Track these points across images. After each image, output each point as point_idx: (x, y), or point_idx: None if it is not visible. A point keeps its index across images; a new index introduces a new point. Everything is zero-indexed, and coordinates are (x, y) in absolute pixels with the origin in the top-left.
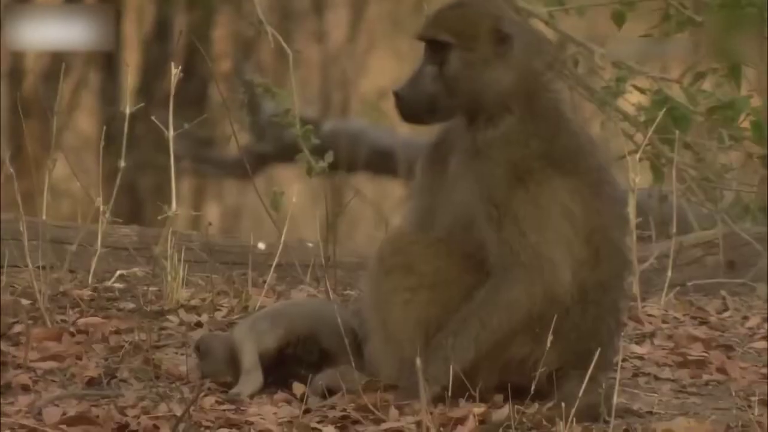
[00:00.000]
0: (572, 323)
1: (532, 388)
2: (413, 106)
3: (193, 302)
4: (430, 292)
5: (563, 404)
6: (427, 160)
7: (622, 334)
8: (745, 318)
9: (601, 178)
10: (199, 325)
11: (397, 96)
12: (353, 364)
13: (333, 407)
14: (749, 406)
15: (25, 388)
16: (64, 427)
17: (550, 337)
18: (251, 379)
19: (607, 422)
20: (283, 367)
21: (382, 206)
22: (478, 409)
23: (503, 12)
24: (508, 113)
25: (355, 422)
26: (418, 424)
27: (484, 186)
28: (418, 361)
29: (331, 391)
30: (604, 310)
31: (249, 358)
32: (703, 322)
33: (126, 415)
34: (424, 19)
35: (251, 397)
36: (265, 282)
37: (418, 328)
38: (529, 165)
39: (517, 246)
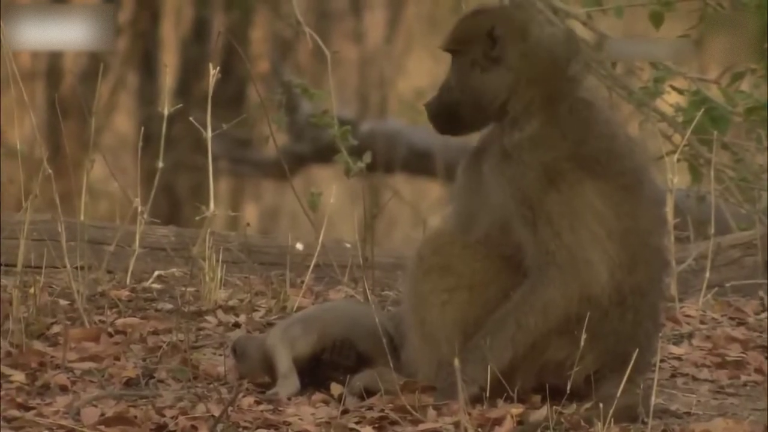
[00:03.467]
0: (610, 326)
1: (568, 388)
2: (438, 118)
3: (230, 303)
4: (468, 293)
5: (601, 405)
6: (466, 165)
7: (660, 335)
8: None
9: (639, 180)
10: (236, 325)
11: (425, 107)
12: (391, 366)
13: (371, 408)
14: None
15: (63, 389)
16: (102, 427)
17: (584, 336)
18: (288, 383)
19: (645, 423)
20: (320, 371)
21: (419, 206)
22: (516, 409)
23: (508, 14)
24: (531, 116)
25: (393, 423)
26: (456, 424)
27: (516, 188)
28: (456, 362)
29: (369, 392)
30: (642, 313)
31: (284, 362)
32: (741, 323)
33: (164, 416)
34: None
35: (288, 399)
36: (303, 282)
37: (456, 328)
38: (560, 166)
39: (552, 247)
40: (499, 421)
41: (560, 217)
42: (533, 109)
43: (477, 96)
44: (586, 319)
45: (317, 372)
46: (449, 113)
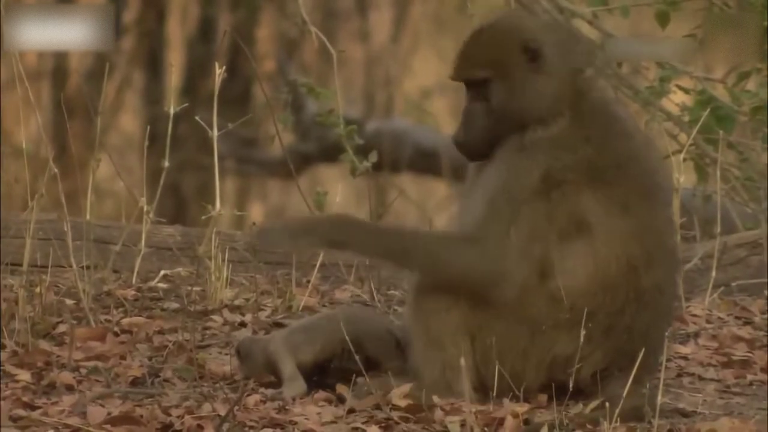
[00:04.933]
0: (625, 323)
1: (570, 385)
2: (473, 148)
3: (237, 302)
4: (472, 297)
5: (607, 404)
6: (474, 167)
7: (667, 334)
8: None
9: (653, 182)
10: (242, 324)
11: (457, 144)
12: (399, 368)
13: (378, 407)
14: None
15: (69, 388)
16: (108, 426)
17: (583, 332)
18: (294, 384)
19: (651, 422)
20: (327, 376)
21: (425, 206)
22: (522, 408)
23: (526, 24)
24: (559, 116)
25: (399, 423)
26: (462, 423)
27: (510, 179)
28: (462, 361)
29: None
30: (657, 312)
31: (287, 367)
32: (748, 322)
33: (170, 415)
34: (456, 60)
35: (294, 399)
36: (309, 282)
37: (461, 331)
38: (564, 176)
39: (494, 239)
40: (504, 421)
41: (528, 224)
42: (562, 109)
43: (523, 111)
44: (602, 316)
45: (324, 376)
46: (483, 139)
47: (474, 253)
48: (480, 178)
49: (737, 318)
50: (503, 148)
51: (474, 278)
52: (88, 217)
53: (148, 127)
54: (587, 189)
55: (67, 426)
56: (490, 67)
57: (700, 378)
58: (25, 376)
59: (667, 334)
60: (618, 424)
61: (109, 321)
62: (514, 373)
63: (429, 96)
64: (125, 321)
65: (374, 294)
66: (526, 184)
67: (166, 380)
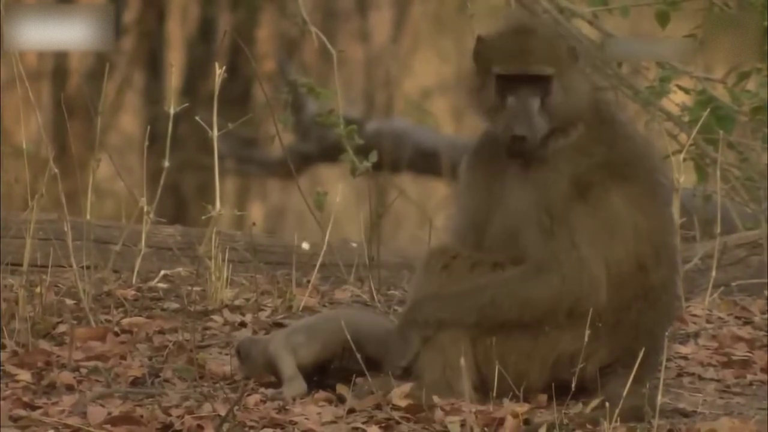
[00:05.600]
0: (631, 321)
1: (574, 382)
2: (533, 143)
3: (237, 302)
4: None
5: (607, 404)
6: (471, 166)
7: (667, 333)
8: None
9: (657, 181)
10: (243, 324)
11: (523, 138)
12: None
13: (378, 407)
14: None
15: (70, 388)
16: (108, 426)
17: (586, 331)
18: (294, 385)
19: (651, 422)
20: (328, 376)
21: (425, 206)
22: (522, 408)
23: (555, 31)
24: (581, 122)
25: (400, 422)
26: (462, 423)
27: (543, 195)
28: (462, 361)
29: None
30: (661, 310)
31: (288, 367)
32: (748, 322)
33: (170, 415)
34: (519, 55)
35: (294, 399)
36: (309, 282)
37: (462, 335)
38: (591, 177)
39: (563, 256)
40: (504, 421)
41: (582, 229)
42: (584, 116)
43: (573, 111)
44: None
45: (324, 376)
46: (548, 135)
47: (554, 280)
48: (504, 190)
49: (737, 318)
50: (524, 162)
51: (566, 302)
52: (88, 217)
53: (148, 127)
54: (613, 187)
55: (67, 426)
56: (552, 65)
57: (700, 378)
58: (25, 376)
59: (667, 333)
60: (618, 423)
61: (109, 321)
62: (517, 373)
63: (429, 96)
64: (125, 321)
65: (374, 294)
66: (560, 194)
67: (166, 380)
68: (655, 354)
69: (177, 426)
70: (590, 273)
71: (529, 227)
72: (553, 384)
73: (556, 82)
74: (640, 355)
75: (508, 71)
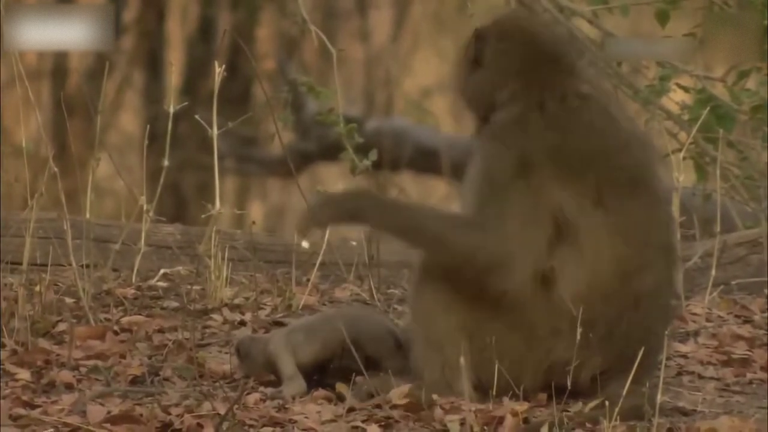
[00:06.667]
0: (622, 330)
1: (568, 385)
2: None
3: (236, 301)
4: (473, 299)
5: (607, 403)
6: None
7: (666, 332)
8: None
9: (641, 176)
10: (242, 323)
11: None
12: (399, 367)
13: (378, 406)
14: None
15: (69, 387)
16: (107, 425)
17: (578, 339)
18: (294, 384)
19: (651, 421)
20: (328, 375)
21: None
22: (521, 407)
23: (503, 23)
24: (515, 102)
25: (399, 421)
26: (462, 422)
27: (487, 165)
28: (462, 360)
29: (373, 396)
30: (654, 316)
31: (287, 366)
32: (747, 321)
33: (169, 414)
34: None
35: (293, 399)
36: (308, 281)
37: (461, 331)
38: (537, 158)
39: (493, 222)
40: (504, 419)
41: (518, 206)
42: (517, 97)
43: (471, 93)
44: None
45: (323, 375)
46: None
47: (477, 236)
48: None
49: (737, 316)
50: (479, 135)
51: (477, 260)
52: (87, 215)
53: (148, 126)
54: (558, 180)
55: (66, 425)
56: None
57: (700, 376)
58: (24, 374)
59: (666, 332)
60: (618, 422)
61: (108, 320)
62: (512, 377)
63: (429, 95)
64: (125, 320)
65: (374, 293)
66: (505, 168)
67: (165, 379)
68: (655, 353)
69: (176, 425)
70: (510, 249)
71: (471, 190)
72: (552, 384)
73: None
74: (639, 354)
75: None
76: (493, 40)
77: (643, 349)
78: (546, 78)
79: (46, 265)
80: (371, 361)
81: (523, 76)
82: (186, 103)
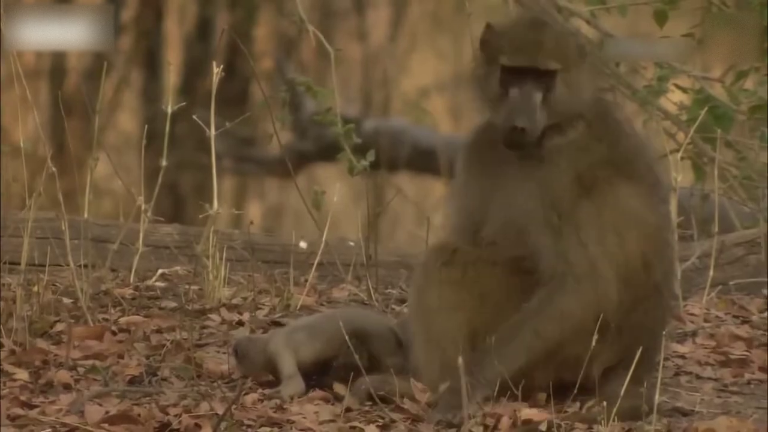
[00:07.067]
0: (635, 320)
1: (578, 382)
2: (533, 135)
3: (234, 301)
4: (474, 300)
5: (605, 404)
6: (468, 161)
7: (664, 332)
8: None
9: (656, 179)
10: (240, 323)
11: (523, 130)
12: (400, 366)
13: (375, 404)
14: None
15: (67, 387)
16: (105, 425)
17: (595, 337)
18: (292, 384)
19: (649, 421)
20: (327, 374)
21: (423, 205)
22: (520, 407)
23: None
24: (582, 120)
25: (396, 421)
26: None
27: (548, 193)
28: (460, 361)
29: (372, 397)
30: (662, 307)
31: (288, 366)
32: (745, 321)
33: (167, 414)
34: (526, 47)
35: (292, 399)
36: (306, 281)
37: (462, 332)
38: (594, 174)
39: (573, 256)
40: (503, 419)
41: (589, 226)
42: (585, 114)
43: (575, 107)
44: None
45: (323, 375)
46: (540, 129)
47: (573, 296)
48: (503, 184)
49: (735, 317)
50: (509, 155)
51: (589, 308)
52: (86, 215)
53: (146, 126)
54: (618, 184)
55: (64, 425)
56: (559, 60)
57: (698, 377)
58: (22, 374)
59: (664, 332)
60: (616, 422)
61: (106, 320)
62: (524, 374)
63: (427, 95)
64: (123, 320)
65: (372, 293)
66: (565, 191)
67: (163, 379)
68: (654, 352)
69: (174, 425)
70: (600, 272)
71: (536, 225)
72: (551, 383)
73: (560, 78)
74: (638, 354)
75: (514, 63)
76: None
77: (649, 344)
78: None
79: (44, 265)
80: (373, 359)
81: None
82: (184, 103)
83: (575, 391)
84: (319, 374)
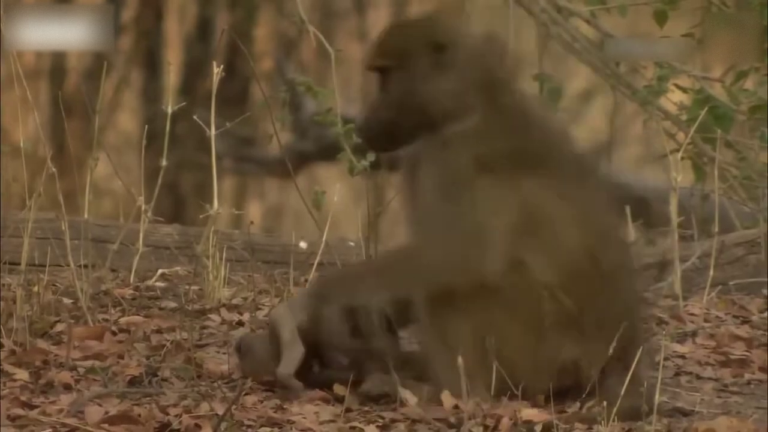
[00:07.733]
0: (604, 305)
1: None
2: (371, 136)
3: (234, 301)
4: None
5: (605, 403)
6: (403, 178)
7: (664, 333)
8: None
9: (581, 169)
10: (240, 324)
11: (361, 131)
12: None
13: (376, 402)
14: None
15: (67, 387)
16: (105, 426)
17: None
18: (293, 353)
19: (649, 422)
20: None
21: None
22: (520, 407)
23: (436, 23)
24: (471, 112)
25: (396, 422)
26: (459, 421)
27: (445, 173)
28: (460, 360)
29: (373, 398)
30: (627, 291)
31: (287, 331)
32: (746, 321)
33: (168, 414)
34: (368, 51)
35: (291, 395)
36: (306, 281)
37: (471, 335)
38: (494, 161)
39: (453, 219)
40: (503, 419)
41: (484, 200)
42: (475, 106)
43: (425, 106)
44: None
45: (322, 375)
46: (382, 130)
47: (439, 252)
48: (414, 181)
49: (735, 317)
50: (424, 147)
51: (460, 264)
52: (86, 216)
53: (146, 126)
54: (521, 177)
55: (64, 425)
56: (391, 58)
57: (698, 377)
58: (23, 375)
59: (664, 332)
60: (615, 423)
61: (106, 320)
62: (525, 381)
63: None
64: (123, 320)
65: None
66: (460, 175)
67: (164, 379)
68: (641, 340)
69: (175, 425)
70: (482, 238)
71: (426, 206)
72: (550, 385)
73: (395, 76)
74: (638, 354)
75: (364, 68)
76: (457, 45)
77: (635, 339)
78: (493, 85)
79: (45, 266)
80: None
81: (479, 84)
82: (184, 103)
83: (570, 392)
84: (319, 366)
